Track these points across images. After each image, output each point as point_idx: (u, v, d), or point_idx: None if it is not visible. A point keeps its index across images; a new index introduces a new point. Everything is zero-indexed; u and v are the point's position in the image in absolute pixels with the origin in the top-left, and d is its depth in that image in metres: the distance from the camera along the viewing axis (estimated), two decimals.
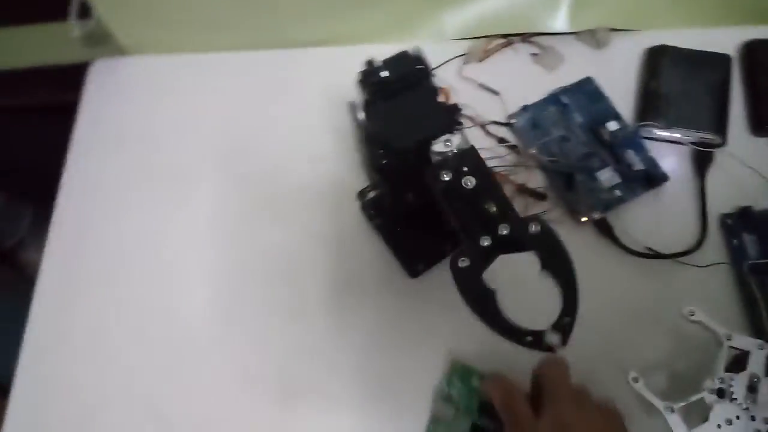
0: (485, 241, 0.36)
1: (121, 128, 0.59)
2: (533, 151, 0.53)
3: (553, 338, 0.35)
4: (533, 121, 0.54)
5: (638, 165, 0.51)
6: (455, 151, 0.38)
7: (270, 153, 0.56)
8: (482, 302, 0.36)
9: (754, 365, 0.40)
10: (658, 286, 0.48)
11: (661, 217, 0.50)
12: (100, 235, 0.54)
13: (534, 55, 0.58)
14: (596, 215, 0.50)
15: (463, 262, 0.36)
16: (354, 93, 0.41)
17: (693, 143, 0.52)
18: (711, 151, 0.51)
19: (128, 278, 0.52)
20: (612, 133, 0.53)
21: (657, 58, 0.55)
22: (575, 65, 0.57)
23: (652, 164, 0.51)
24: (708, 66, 0.54)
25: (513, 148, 0.54)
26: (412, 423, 0.45)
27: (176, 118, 0.59)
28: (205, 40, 0.60)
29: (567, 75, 0.56)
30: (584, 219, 0.50)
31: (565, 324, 0.36)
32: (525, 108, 0.55)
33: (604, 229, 0.49)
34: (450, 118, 0.39)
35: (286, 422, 0.46)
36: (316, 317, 0.49)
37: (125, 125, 0.60)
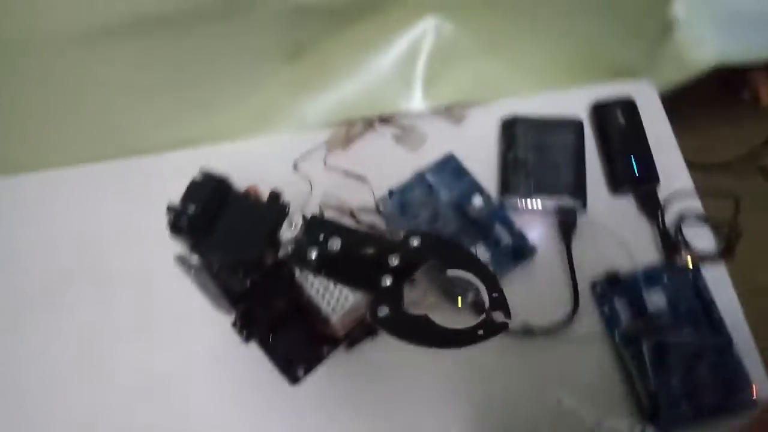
0: (386, 281, 0.35)
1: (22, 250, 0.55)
2: (403, 235, 0.52)
3: (498, 316, 0.34)
4: (401, 205, 0.53)
5: (506, 240, 0.51)
6: (301, 227, 0.37)
7: (134, 269, 0.53)
8: (424, 333, 0.34)
9: None
10: (534, 367, 0.47)
11: (534, 290, 0.50)
12: None
13: (396, 136, 0.57)
14: None
15: (383, 311, 0.34)
16: None
17: (556, 211, 0.52)
18: (573, 218, 0.51)
19: None
20: (478, 209, 0.53)
21: (510, 129, 0.56)
22: (437, 142, 0.57)
23: (519, 237, 0.51)
24: (561, 131, 0.55)
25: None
26: None
27: (38, 237, 0.55)
28: (64, 154, 0.57)
29: (430, 153, 0.56)
30: None
31: (498, 300, 0.34)
32: (391, 192, 0.54)
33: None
34: (274, 207, 0.38)
35: None
36: None
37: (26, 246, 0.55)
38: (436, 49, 0.55)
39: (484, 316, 0.34)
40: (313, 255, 0.37)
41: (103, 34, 0.45)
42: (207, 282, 0.39)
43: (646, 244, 0.51)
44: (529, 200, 0.52)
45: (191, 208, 0.36)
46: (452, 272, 0.36)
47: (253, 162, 0.55)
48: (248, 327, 0.45)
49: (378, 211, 0.53)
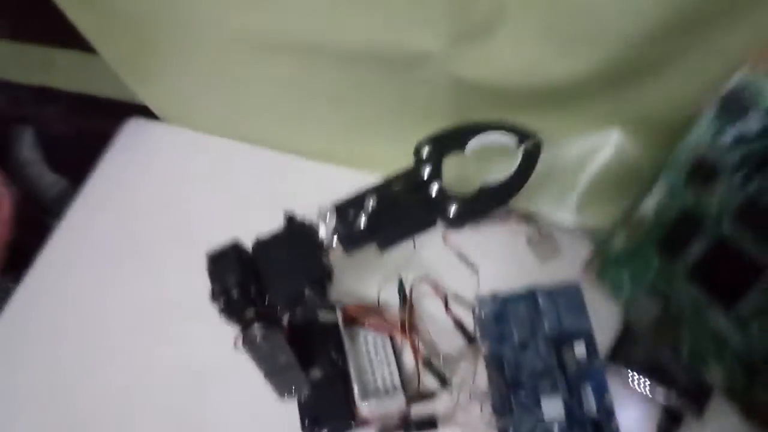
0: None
1: (133, 195, 0.62)
2: (483, 352, 0.47)
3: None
4: (498, 313, 0.49)
5: (590, 407, 0.44)
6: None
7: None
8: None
9: None
10: None
11: None
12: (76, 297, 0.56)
13: (529, 238, 0.52)
14: None
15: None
16: None
17: (663, 406, 0.44)
18: (678, 423, 0.43)
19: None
20: (576, 357, 0.46)
21: None
22: (570, 264, 0.51)
23: (607, 413, 0.44)
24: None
25: (467, 334, 0.48)
26: None
27: (188, 199, 0.60)
28: (237, 127, 0.61)
29: (558, 272, 0.50)
30: None
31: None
32: (494, 297, 0.49)
33: None
34: (297, 226, 0.38)
35: None
36: None
37: (138, 193, 0.62)
38: (611, 167, 0.49)
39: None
40: (362, 224, 0.36)
41: (282, 47, 0.47)
42: (278, 351, 0.38)
43: None
44: (638, 379, 0.44)
45: (231, 280, 0.35)
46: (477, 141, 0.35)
47: None
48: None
49: (472, 310, 0.49)
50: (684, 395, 0.43)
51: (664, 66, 0.40)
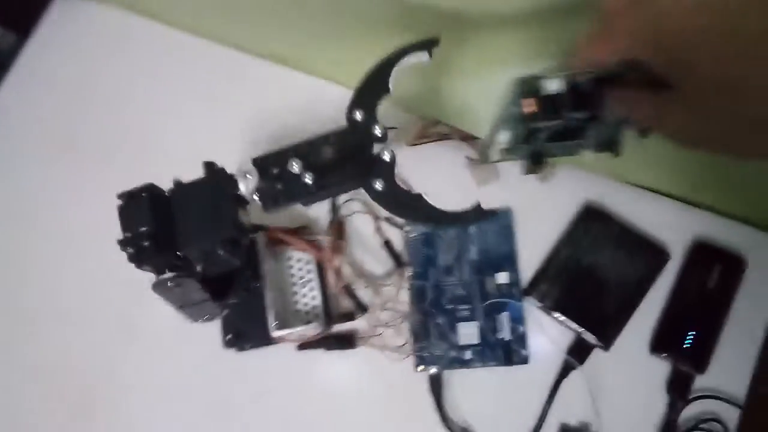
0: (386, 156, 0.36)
1: (61, 81, 0.58)
2: (408, 273, 0.48)
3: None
4: (428, 237, 0.48)
5: (505, 335, 0.46)
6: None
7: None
8: (416, 209, 0.35)
9: None
10: None
11: (499, 399, 0.46)
12: None
13: (470, 160, 0.50)
14: (433, 369, 0.46)
15: (379, 184, 0.34)
16: None
17: (573, 339, 0.45)
18: (585, 354, 0.45)
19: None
20: (498, 285, 0.47)
21: (587, 220, 0.47)
22: (507, 188, 0.50)
23: (519, 340, 0.46)
24: (640, 253, 0.46)
25: (395, 256, 0.49)
26: None
27: (119, 87, 0.57)
28: (182, 17, 0.56)
29: (494, 195, 0.49)
30: (420, 368, 0.46)
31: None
32: None
33: (435, 387, 0.45)
34: (217, 176, 0.36)
35: None
36: None
37: (66, 79, 0.58)
38: None
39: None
40: (281, 187, 0.35)
41: None
42: (191, 292, 0.38)
43: (649, 424, 0.44)
44: (552, 311, 0.46)
45: (143, 229, 0.33)
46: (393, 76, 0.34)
47: (319, 105, 0.52)
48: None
49: (403, 230, 0.49)
50: (595, 330, 0.45)
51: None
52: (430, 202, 0.34)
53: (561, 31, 0.40)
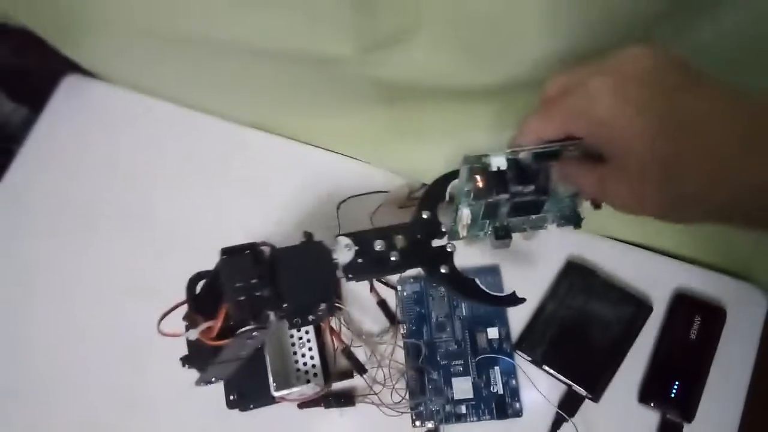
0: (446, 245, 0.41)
1: (73, 155, 0.61)
2: (402, 331, 0.50)
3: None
4: (420, 293, 0.51)
5: (498, 388, 0.47)
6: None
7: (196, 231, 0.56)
8: (472, 291, 0.40)
9: None
10: None
11: None
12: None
13: None
14: (430, 425, 0.47)
15: (444, 269, 0.40)
16: None
17: (564, 391, 0.47)
18: (576, 406, 0.46)
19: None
20: (489, 341, 0.49)
21: (569, 276, 0.50)
22: (491, 249, 0.52)
23: (512, 394, 0.47)
24: (622, 305, 0.48)
25: (388, 313, 0.51)
26: None
27: (124, 160, 0.60)
28: (179, 92, 0.60)
29: (482, 254, 0.52)
30: (417, 423, 0.47)
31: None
32: (416, 278, 0.51)
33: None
34: (316, 247, 0.39)
35: None
36: None
37: (77, 153, 0.61)
38: None
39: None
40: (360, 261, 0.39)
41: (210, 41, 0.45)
42: (244, 347, 0.40)
43: None
44: (544, 367, 0.47)
45: (254, 281, 0.36)
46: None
47: (315, 172, 0.56)
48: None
49: (395, 289, 0.51)
50: (584, 383, 0.46)
51: None
52: (481, 285, 0.40)
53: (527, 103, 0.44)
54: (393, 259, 0.40)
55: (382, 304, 0.51)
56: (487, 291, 0.40)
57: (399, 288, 0.51)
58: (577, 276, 0.49)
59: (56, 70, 0.65)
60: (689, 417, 0.45)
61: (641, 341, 0.48)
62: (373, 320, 0.51)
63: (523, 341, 0.48)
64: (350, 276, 0.39)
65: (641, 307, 0.48)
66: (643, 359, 0.48)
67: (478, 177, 0.34)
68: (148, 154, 0.60)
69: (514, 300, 0.40)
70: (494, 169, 0.33)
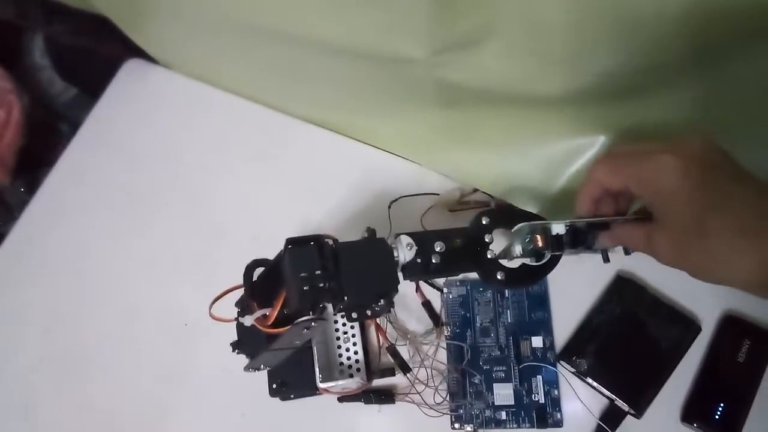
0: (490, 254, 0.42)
1: (131, 138, 0.63)
2: (446, 333, 0.50)
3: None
4: (464, 299, 0.51)
5: (539, 397, 0.47)
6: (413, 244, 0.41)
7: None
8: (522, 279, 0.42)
9: None
10: None
11: None
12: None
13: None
14: (469, 428, 0.47)
15: (501, 275, 0.42)
16: None
17: (606, 405, 0.47)
18: (618, 420, 0.46)
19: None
20: (533, 349, 0.49)
21: (619, 289, 0.50)
22: None
23: (553, 404, 0.47)
24: (672, 323, 0.48)
25: (432, 314, 0.51)
26: None
27: (184, 145, 0.61)
28: (235, 82, 0.61)
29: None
30: (456, 425, 0.47)
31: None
32: (463, 281, 0.51)
33: None
34: (379, 242, 0.41)
35: None
36: None
37: (135, 136, 0.63)
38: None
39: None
40: (435, 260, 0.41)
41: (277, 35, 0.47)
42: (298, 337, 0.41)
43: None
44: (586, 376, 0.47)
45: (318, 272, 0.36)
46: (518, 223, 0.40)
47: (369, 170, 0.57)
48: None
49: (441, 291, 0.52)
50: (627, 398, 0.46)
51: (646, 91, 0.40)
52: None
53: (591, 114, 0.44)
54: (447, 262, 0.40)
55: (427, 305, 0.51)
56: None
57: (445, 290, 0.51)
58: (626, 290, 0.49)
59: (111, 55, 0.67)
60: None
61: (687, 360, 0.48)
62: (417, 320, 0.52)
63: (567, 352, 0.48)
64: (407, 275, 0.40)
65: (690, 326, 0.48)
66: (688, 379, 0.48)
67: (538, 237, 0.40)
68: (207, 142, 0.61)
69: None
70: (554, 234, 0.40)
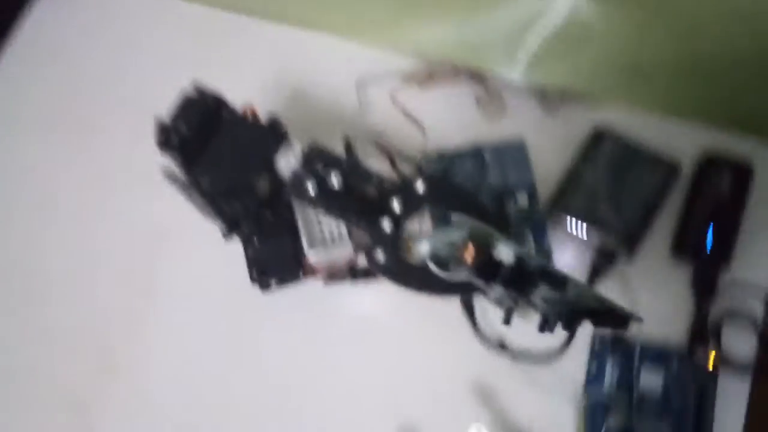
0: (386, 226, 0.36)
1: (69, 49, 0.58)
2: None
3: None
4: (445, 171, 0.50)
5: (530, 251, 0.46)
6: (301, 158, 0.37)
7: None
8: (423, 280, 0.35)
9: None
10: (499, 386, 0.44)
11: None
12: None
13: (479, 98, 0.53)
14: None
15: (379, 255, 0.36)
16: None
17: (597, 248, 0.46)
18: (609, 262, 0.46)
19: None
20: (518, 207, 0.48)
21: (597, 142, 0.49)
22: (517, 123, 0.52)
23: (545, 255, 0.47)
24: (650, 167, 0.48)
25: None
26: None
27: (119, 57, 0.58)
28: None
29: (505, 130, 0.51)
30: None
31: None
32: (441, 155, 0.50)
33: (467, 307, 0.45)
34: (273, 132, 0.37)
35: None
36: None
37: (73, 48, 0.58)
38: (564, 26, 0.48)
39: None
40: (311, 189, 0.36)
41: None
42: (194, 197, 0.38)
43: (678, 323, 0.45)
44: (575, 224, 0.47)
45: (183, 128, 0.34)
46: (457, 216, 0.35)
47: (327, 59, 0.55)
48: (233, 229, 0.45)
49: (419, 168, 0.50)
50: (617, 237, 0.46)
51: None
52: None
53: None
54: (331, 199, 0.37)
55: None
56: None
57: (423, 165, 0.50)
58: (605, 142, 0.49)
59: None
60: (726, 262, 0.45)
61: (670, 205, 0.48)
62: None
63: (555, 202, 0.48)
64: (291, 191, 0.37)
65: (670, 169, 0.48)
66: (673, 221, 0.48)
67: (470, 247, 0.31)
68: (143, 47, 0.58)
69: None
70: (495, 257, 0.31)
